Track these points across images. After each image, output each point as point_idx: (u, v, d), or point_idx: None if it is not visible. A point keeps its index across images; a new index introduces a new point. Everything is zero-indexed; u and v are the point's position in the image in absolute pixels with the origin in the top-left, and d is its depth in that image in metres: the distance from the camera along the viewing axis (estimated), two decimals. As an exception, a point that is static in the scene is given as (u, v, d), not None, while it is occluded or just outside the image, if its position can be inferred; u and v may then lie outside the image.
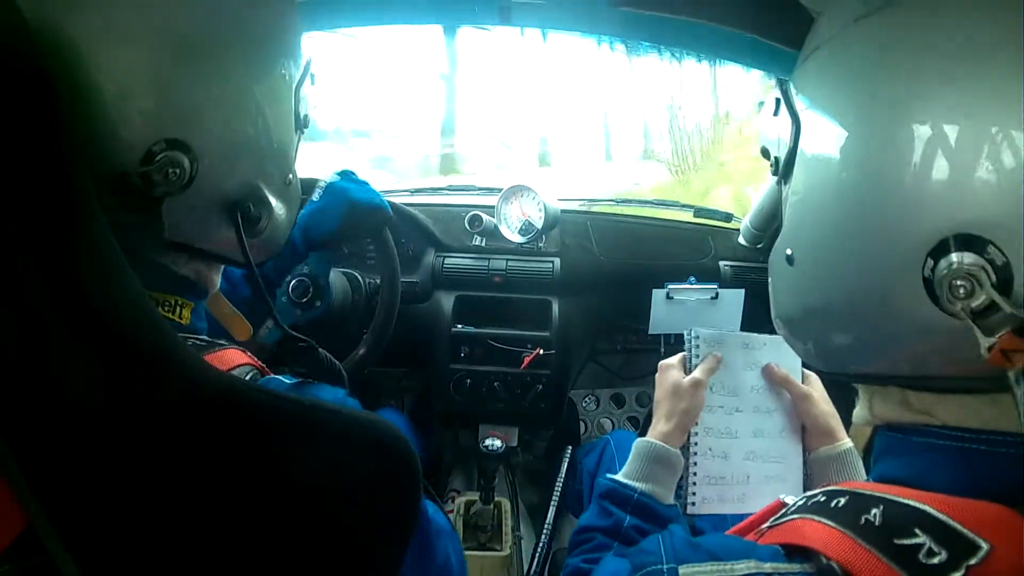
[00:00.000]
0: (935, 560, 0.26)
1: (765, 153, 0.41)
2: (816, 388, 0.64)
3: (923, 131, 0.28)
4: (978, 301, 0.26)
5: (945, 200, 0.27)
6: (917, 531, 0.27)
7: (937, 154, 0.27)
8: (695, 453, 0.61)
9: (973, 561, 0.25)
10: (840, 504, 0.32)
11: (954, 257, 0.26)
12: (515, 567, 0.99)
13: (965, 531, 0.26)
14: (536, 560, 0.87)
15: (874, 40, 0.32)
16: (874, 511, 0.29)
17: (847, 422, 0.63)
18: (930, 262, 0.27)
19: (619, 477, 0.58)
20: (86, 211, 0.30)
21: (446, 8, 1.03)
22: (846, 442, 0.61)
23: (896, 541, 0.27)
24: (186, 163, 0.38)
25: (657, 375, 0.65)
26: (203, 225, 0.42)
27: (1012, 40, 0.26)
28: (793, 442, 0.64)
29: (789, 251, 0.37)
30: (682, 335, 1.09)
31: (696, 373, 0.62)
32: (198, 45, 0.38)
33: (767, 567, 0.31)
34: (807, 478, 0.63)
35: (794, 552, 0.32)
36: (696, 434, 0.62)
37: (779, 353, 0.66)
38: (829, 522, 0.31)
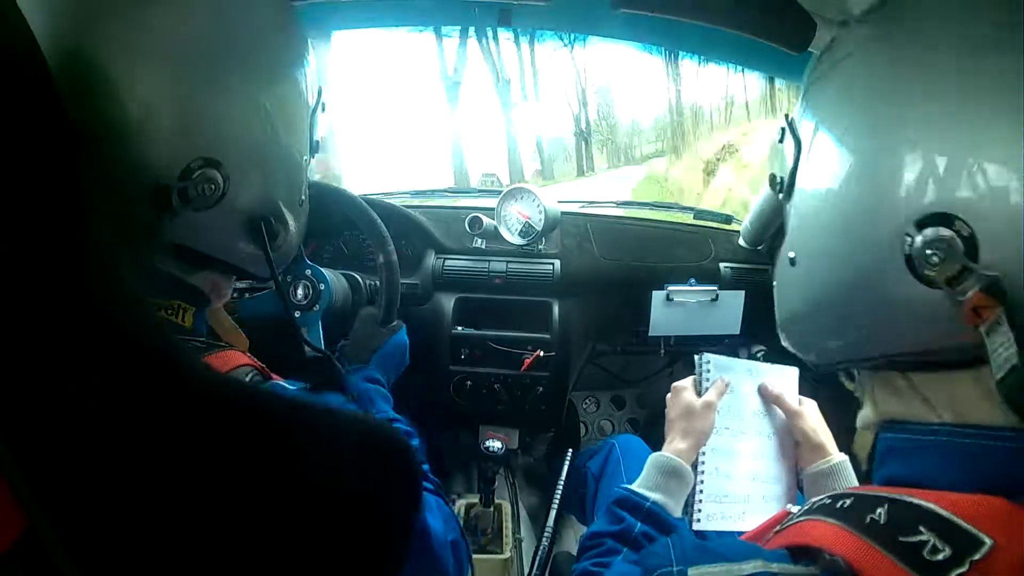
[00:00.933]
0: (939, 556, 0.26)
1: (772, 179, 0.46)
2: (808, 407, 0.68)
3: (900, 136, 0.33)
4: (951, 268, 0.30)
5: (919, 187, 0.32)
6: (922, 528, 0.28)
7: (911, 152, 0.32)
8: (703, 472, 0.65)
9: (977, 556, 0.26)
10: (845, 505, 0.33)
11: (929, 232, 0.31)
12: (515, 570, 0.99)
13: (969, 527, 0.27)
14: (536, 563, 0.87)
15: (861, 49, 0.38)
16: (879, 510, 0.30)
17: (847, 438, 0.65)
18: (908, 239, 0.31)
19: (633, 487, 0.60)
20: (89, 211, 0.30)
21: (446, 11, 1.03)
22: (837, 456, 0.64)
23: (901, 539, 0.28)
24: (219, 180, 0.40)
25: (669, 396, 0.70)
26: (227, 239, 0.44)
27: (978, 46, 0.31)
28: (788, 465, 0.68)
29: (792, 254, 0.42)
30: (682, 337, 1.11)
31: (708, 396, 0.66)
32: (227, 71, 0.41)
33: (774, 567, 0.31)
34: (801, 495, 0.67)
35: (800, 554, 0.32)
36: (704, 454, 0.65)
37: (780, 380, 0.71)
38: (834, 521, 0.32)
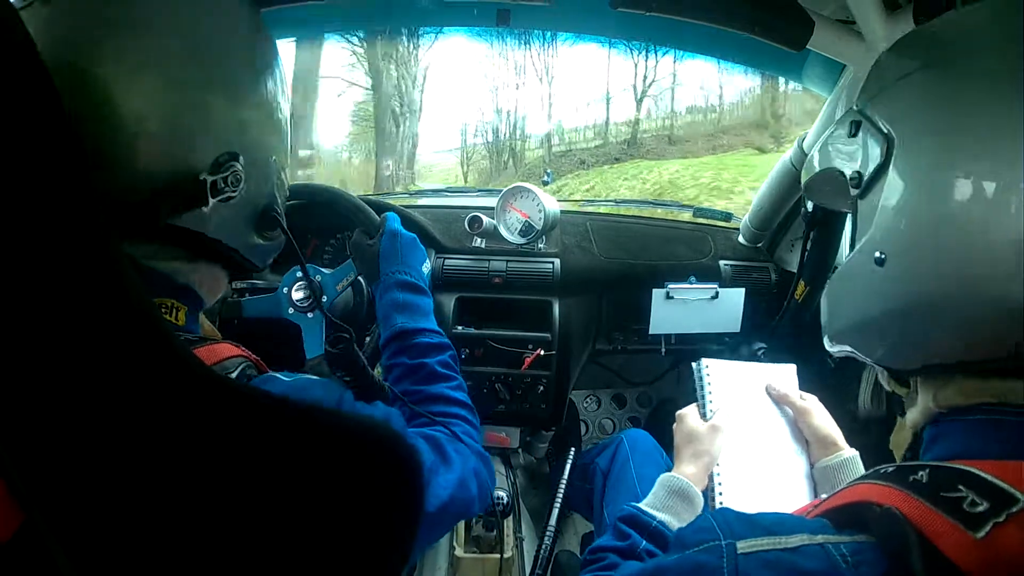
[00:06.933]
0: (979, 509, 0.29)
1: (814, 185, 0.44)
2: (814, 403, 0.68)
3: None
4: None
5: None
6: (961, 487, 0.30)
7: None
8: (719, 482, 0.65)
9: (1014, 509, 0.28)
10: (888, 471, 0.35)
11: None
12: (516, 569, 0.99)
13: (1005, 485, 0.29)
14: (538, 562, 0.87)
15: (977, 74, 0.35)
16: (920, 473, 0.33)
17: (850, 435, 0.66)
18: None
19: (641, 505, 0.61)
20: (91, 208, 0.30)
21: (444, 12, 1.03)
22: (848, 450, 0.64)
23: (943, 494, 0.30)
24: (240, 172, 0.45)
25: (675, 425, 0.70)
26: (237, 229, 0.48)
27: None
28: (801, 460, 0.68)
29: (879, 253, 0.39)
30: (682, 335, 1.11)
31: (715, 421, 0.67)
32: (230, 74, 0.46)
33: (819, 538, 0.33)
34: (812, 490, 0.66)
35: (844, 523, 0.34)
36: (717, 465, 0.65)
37: (781, 378, 0.71)
38: (879, 481, 0.34)
